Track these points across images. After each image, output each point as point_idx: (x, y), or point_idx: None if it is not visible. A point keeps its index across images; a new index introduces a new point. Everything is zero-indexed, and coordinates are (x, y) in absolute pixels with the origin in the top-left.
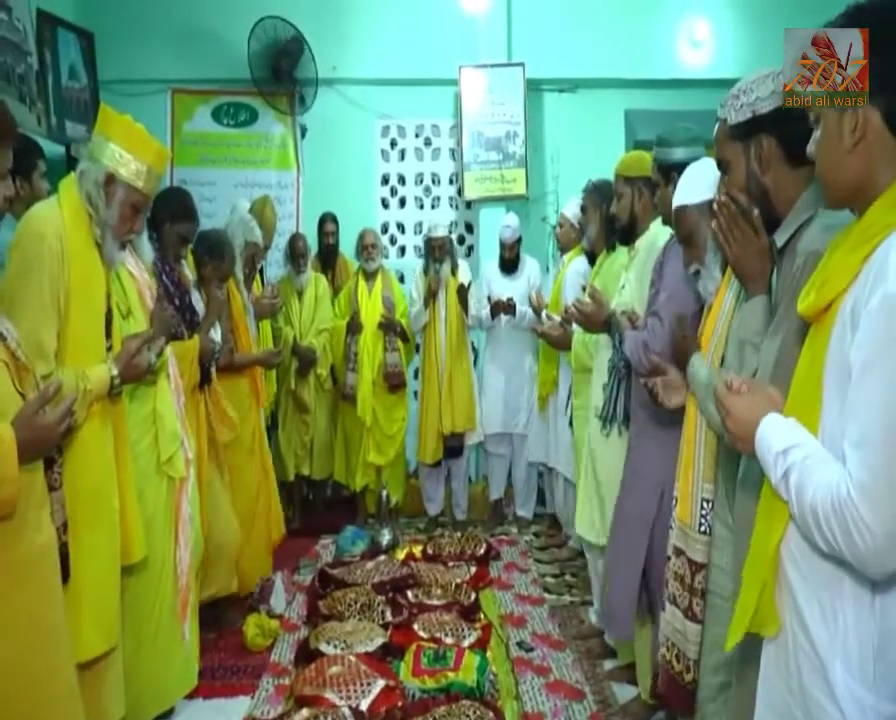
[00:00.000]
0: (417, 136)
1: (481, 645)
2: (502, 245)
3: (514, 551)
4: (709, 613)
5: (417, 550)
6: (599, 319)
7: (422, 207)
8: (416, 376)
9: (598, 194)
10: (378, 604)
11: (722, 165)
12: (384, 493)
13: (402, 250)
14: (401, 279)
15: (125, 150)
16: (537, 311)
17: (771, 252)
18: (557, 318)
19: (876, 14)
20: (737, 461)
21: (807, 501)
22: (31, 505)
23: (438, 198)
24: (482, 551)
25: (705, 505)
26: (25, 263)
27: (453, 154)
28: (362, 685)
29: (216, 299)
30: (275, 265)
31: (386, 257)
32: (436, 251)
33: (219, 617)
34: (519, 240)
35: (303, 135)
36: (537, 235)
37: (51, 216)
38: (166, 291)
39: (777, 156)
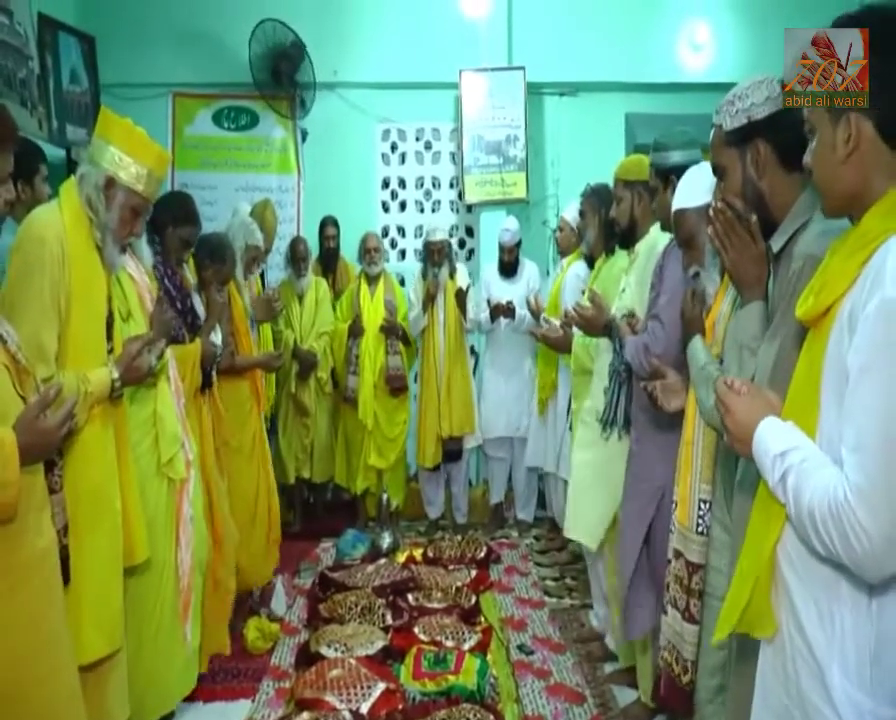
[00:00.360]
0: (418, 140)
1: (481, 648)
2: (501, 248)
3: (514, 554)
4: (706, 615)
5: (417, 553)
6: (599, 323)
7: (422, 211)
8: (416, 380)
9: (596, 198)
10: (378, 607)
11: (718, 171)
12: (385, 496)
13: (402, 254)
14: (401, 282)
15: (125, 153)
16: (535, 315)
17: (767, 257)
18: (555, 321)
19: (865, 25)
20: (735, 463)
21: (804, 504)
22: (32, 508)
23: (438, 202)
24: (482, 554)
25: (702, 506)
26: (26, 267)
27: (453, 158)
28: (362, 688)
29: (216, 302)
30: (276, 268)
31: (387, 261)
32: (435, 255)
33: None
34: (518, 244)
35: (304, 139)
36: (537, 239)
37: (52, 220)
38: (168, 295)
39: (772, 161)
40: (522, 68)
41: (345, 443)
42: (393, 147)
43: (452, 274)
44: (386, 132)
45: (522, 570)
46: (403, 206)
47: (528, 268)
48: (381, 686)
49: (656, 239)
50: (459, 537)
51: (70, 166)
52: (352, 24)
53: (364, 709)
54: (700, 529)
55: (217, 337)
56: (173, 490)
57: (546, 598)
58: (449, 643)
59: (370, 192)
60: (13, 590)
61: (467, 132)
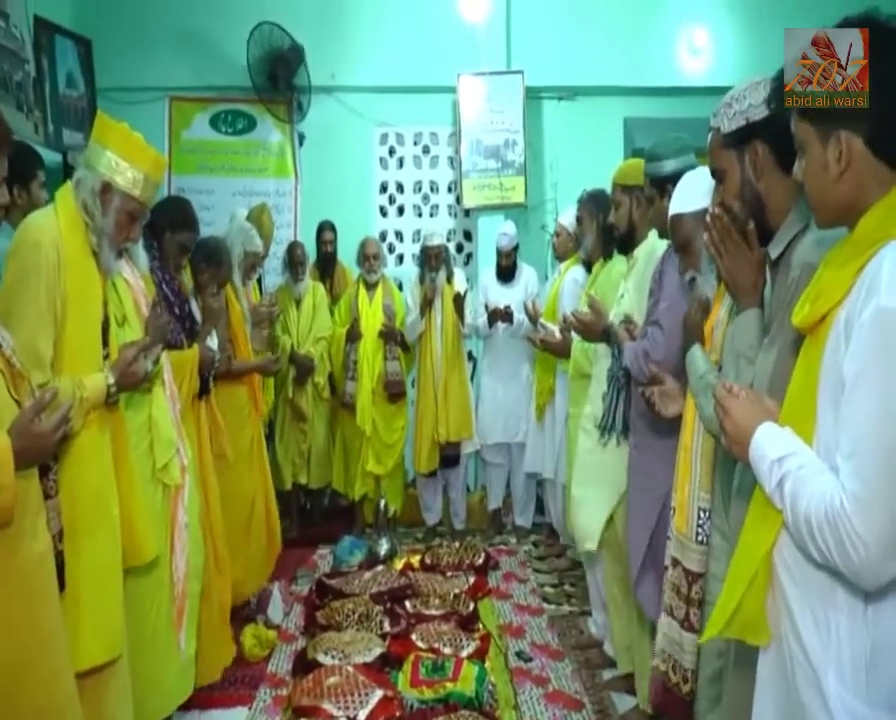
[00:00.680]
0: (416, 144)
1: (480, 655)
2: (499, 253)
3: (513, 561)
4: (707, 622)
5: (415, 560)
6: (598, 329)
7: (420, 215)
8: (413, 385)
9: (594, 204)
10: (376, 614)
11: (717, 174)
12: (382, 503)
13: (400, 258)
14: (399, 287)
15: (122, 158)
16: (533, 320)
17: (764, 263)
18: (552, 326)
19: None
20: (734, 470)
21: (801, 511)
22: (27, 513)
23: (436, 206)
24: (480, 561)
25: (702, 514)
26: (22, 272)
27: (452, 162)
28: (360, 696)
29: (210, 307)
30: (273, 273)
31: (385, 265)
32: (432, 260)
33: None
34: (516, 248)
35: (301, 143)
36: (536, 243)
37: (47, 224)
38: (166, 300)
39: (770, 162)
40: (521, 72)
41: (343, 449)
42: (391, 151)
43: (449, 279)
44: (384, 136)
45: (520, 576)
46: (401, 210)
47: (526, 273)
48: (379, 693)
49: (655, 244)
50: (457, 543)
51: (66, 170)
52: (350, 28)
53: (362, 717)
54: (700, 538)
55: (213, 342)
56: (168, 496)
57: (545, 605)
58: (447, 650)
59: (368, 196)
60: (10, 596)
61: (465, 136)
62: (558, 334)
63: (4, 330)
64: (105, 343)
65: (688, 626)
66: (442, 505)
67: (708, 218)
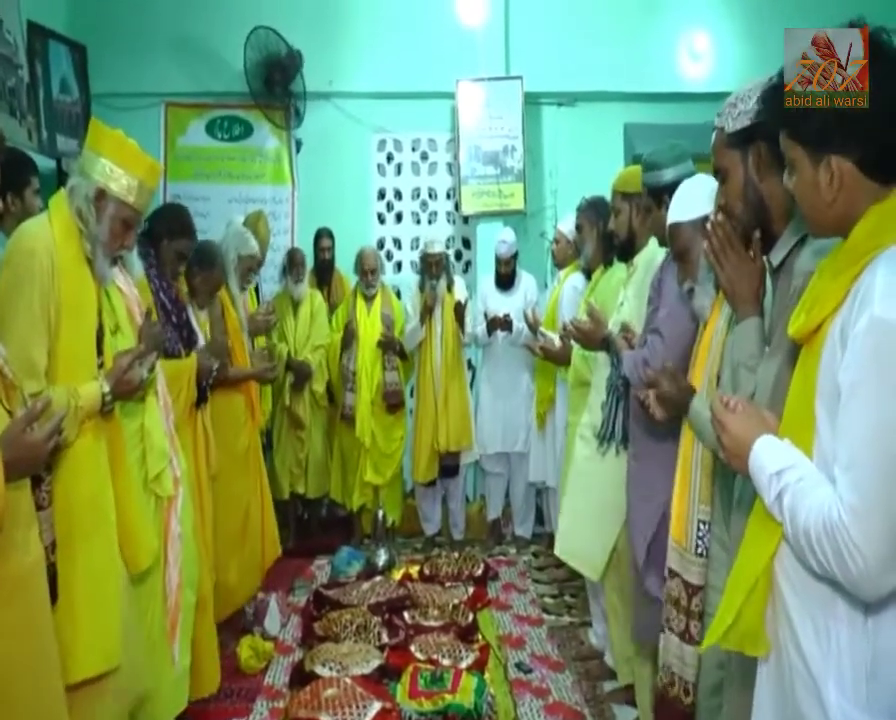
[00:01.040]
0: (414, 150)
1: (479, 667)
2: (498, 260)
3: (512, 571)
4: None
5: (414, 570)
6: (597, 337)
7: (419, 222)
8: (411, 394)
9: (593, 211)
10: (374, 625)
11: (720, 174)
12: (381, 513)
13: (398, 266)
14: (397, 295)
15: (116, 165)
16: (533, 328)
17: (765, 273)
18: (552, 335)
19: None
20: (734, 481)
21: (800, 524)
22: (18, 524)
23: (435, 213)
24: (480, 571)
25: (701, 527)
26: (15, 280)
27: (450, 168)
28: (358, 708)
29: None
30: (269, 281)
31: (383, 273)
32: (432, 267)
33: None
34: (515, 255)
35: (298, 149)
36: (535, 250)
37: (41, 232)
38: (163, 308)
39: (774, 164)
40: (520, 78)
41: (341, 458)
42: (389, 158)
43: (450, 287)
44: (382, 142)
45: (520, 587)
46: (399, 217)
47: (525, 280)
48: (377, 705)
49: (655, 252)
50: (456, 554)
51: (60, 177)
52: (347, 33)
53: None
54: (699, 551)
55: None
56: (161, 507)
57: (545, 615)
58: (446, 661)
59: (365, 203)
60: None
61: (464, 142)
62: (558, 342)
63: None
64: (100, 352)
65: (688, 638)
66: (441, 515)
67: (709, 226)
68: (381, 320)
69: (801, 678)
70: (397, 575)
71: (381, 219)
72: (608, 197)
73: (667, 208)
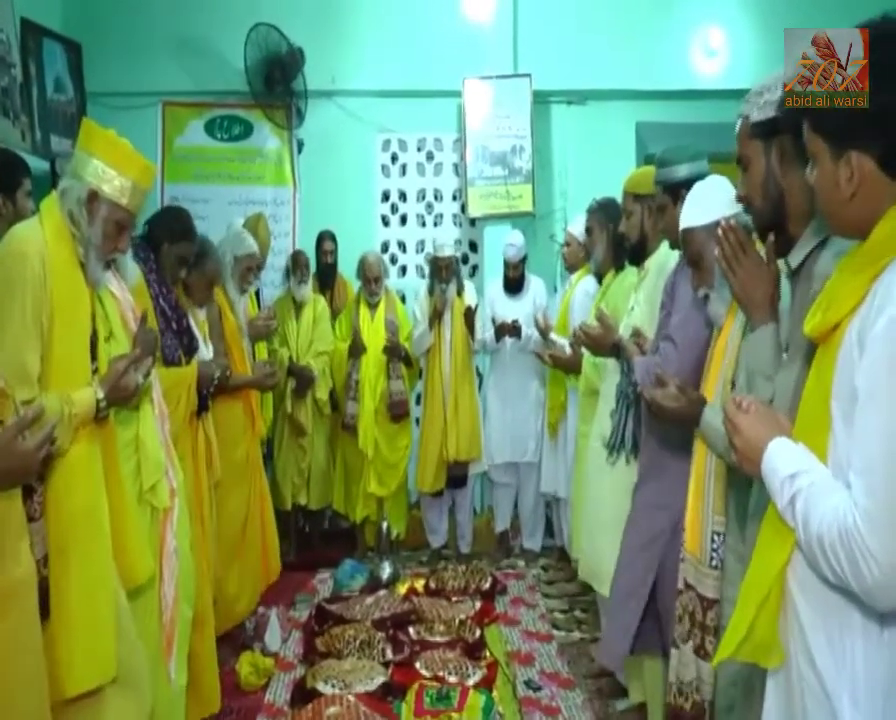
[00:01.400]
0: (419, 150)
1: (486, 684)
2: (506, 264)
3: (521, 585)
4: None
5: (419, 584)
6: (606, 343)
7: (424, 225)
8: (419, 402)
9: (604, 214)
10: (378, 641)
11: (742, 162)
12: (385, 525)
13: (403, 270)
14: (402, 300)
15: (109, 166)
16: (544, 333)
17: (779, 278)
18: (563, 341)
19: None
20: (748, 490)
21: (813, 529)
22: (8, 535)
23: (441, 215)
24: (487, 585)
25: (716, 538)
26: (6, 285)
27: (456, 169)
28: None
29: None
30: (270, 286)
31: (387, 277)
32: (442, 271)
33: None
34: (524, 259)
35: (300, 150)
36: (544, 254)
37: (33, 236)
38: (163, 314)
39: (797, 160)
40: (528, 75)
41: (344, 468)
42: (393, 158)
43: (460, 292)
44: (386, 142)
45: (529, 602)
46: (404, 220)
47: (534, 285)
48: None
49: (667, 255)
50: (463, 567)
51: (55, 179)
52: (351, 29)
53: None
54: (714, 563)
55: (208, 353)
56: (156, 519)
57: (554, 631)
58: (452, 679)
59: (369, 205)
60: None
61: (471, 142)
62: (568, 349)
63: None
64: (94, 357)
65: (704, 654)
66: (448, 527)
67: (719, 232)
68: (385, 326)
69: (813, 692)
70: (402, 589)
71: (385, 221)
72: (619, 198)
73: (682, 205)
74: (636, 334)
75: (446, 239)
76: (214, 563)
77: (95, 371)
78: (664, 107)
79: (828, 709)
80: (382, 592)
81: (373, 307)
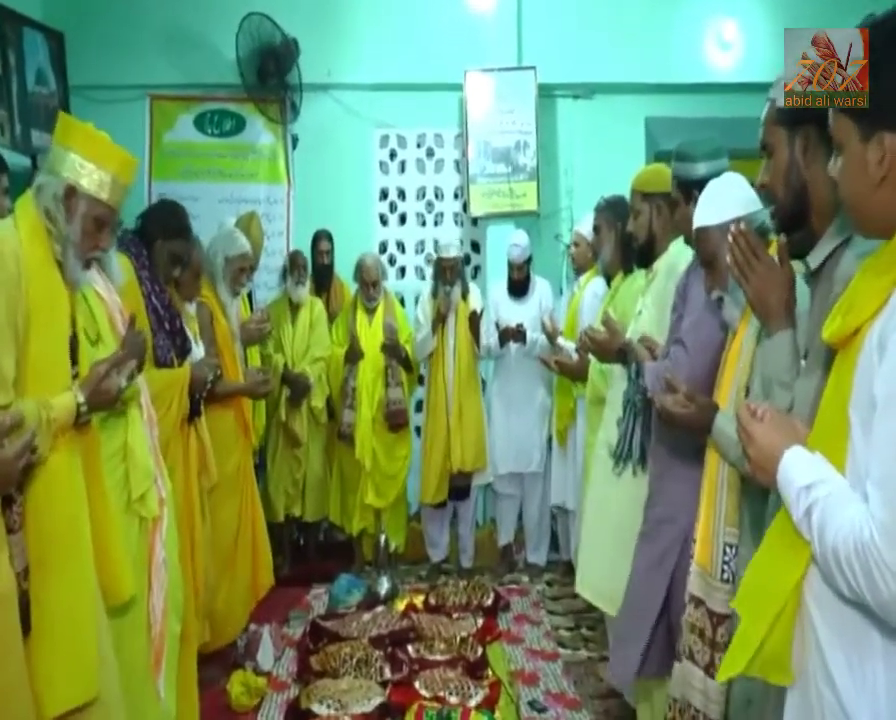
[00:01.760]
0: (419, 146)
1: (489, 705)
2: (510, 265)
3: (525, 601)
4: None
5: (418, 600)
6: (612, 348)
7: (424, 224)
8: (419, 409)
9: (612, 212)
10: (376, 660)
11: (766, 149)
12: (383, 538)
13: (402, 271)
14: (401, 303)
15: (87, 159)
16: (551, 337)
17: (793, 282)
18: (570, 345)
19: (892, 33)
20: (763, 501)
21: (829, 542)
22: None
23: (441, 214)
24: (490, 601)
25: (727, 550)
26: None
27: (458, 166)
28: None
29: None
30: (263, 288)
31: (385, 278)
32: (447, 273)
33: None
34: (529, 260)
35: (294, 145)
36: (549, 254)
37: (6, 235)
38: (155, 313)
39: (822, 152)
40: (533, 68)
41: (340, 478)
42: (392, 154)
43: (465, 295)
44: (384, 138)
45: (533, 618)
46: (403, 219)
47: (540, 287)
48: None
49: (677, 256)
50: (464, 582)
51: (36, 175)
52: (348, 19)
53: None
54: (725, 576)
55: (199, 352)
56: (145, 530)
57: (560, 649)
58: (453, 699)
59: (367, 204)
60: None
61: (472, 138)
62: (575, 355)
63: None
64: (74, 361)
65: (713, 673)
66: (448, 540)
67: (730, 237)
68: (383, 329)
69: (833, 713)
70: (400, 605)
71: (383, 221)
72: (628, 197)
73: (696, 203)
74: (644, 339)
75: (447, 239)
76: (207, 576)
77: (76, 376)
78: (675, 101)
79: None
80: (380, 608)
81: (371, 311)
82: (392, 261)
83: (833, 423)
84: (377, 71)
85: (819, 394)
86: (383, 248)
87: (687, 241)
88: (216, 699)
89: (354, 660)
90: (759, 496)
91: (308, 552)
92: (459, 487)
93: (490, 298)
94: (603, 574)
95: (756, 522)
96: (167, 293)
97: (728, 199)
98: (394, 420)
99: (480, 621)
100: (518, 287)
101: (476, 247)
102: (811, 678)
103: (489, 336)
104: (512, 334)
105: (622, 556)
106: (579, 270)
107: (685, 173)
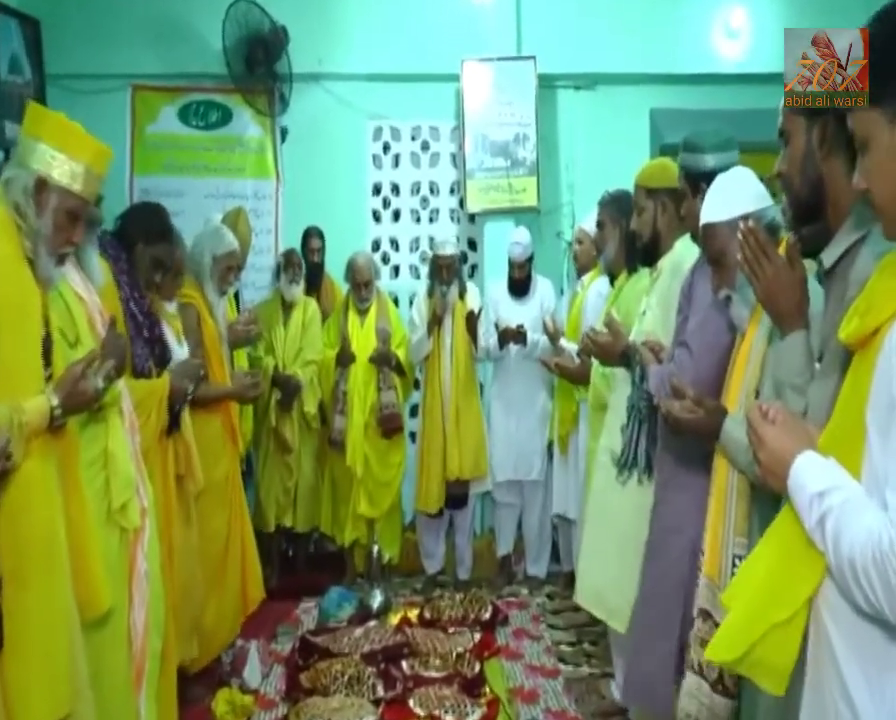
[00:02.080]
0: (413, 139)
1: None
2: (511, 264)
3: (524, 615)
4: (747, 684)
5: (413, 614)
6: (615, 351)
7: (419, 221)
8: (413, 414)
9: (617, 208)
10: (368, 677)
11: (783, 136)
12: (376, 549)
13: (396, 270)
14: (395, 302)
15: (58, 150)
16: (553, 339)
17: (806, 282)
18: (572, 347)
19: None
20: (774, 508)
21: (844, 552)
22: None
23: (437, 210)
24: (488, 615)
25: (737, 562)
26: None
27: (454, 160)
28: None
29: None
30: (251, 287)
31: (378, 278)
32: (444, 271)
33: (181, 691)
34: (531, 258)
35: (283, 138)
36: (550, 252)
37: None
38: (133, 320)
39: (839, 145)
40: (533, 58)
41: (331, 487)
42: (385, 148)
43: (462, 294)
44: (378, 131)
45: (533, 633)
46: (397, 216)
47: (542, 286)
48: None
49: (682, 254)
50: (461, 595)
51: None
52: (339, 7)
53: None
54: None
55: (183, 352)
56: (126, 541)
57: (561, 666)
58: (449, 718)
59: (359, 199)
60: None
61: (470, 131)
62: (577, 358)
63: None
64: (47, 363)
65: (722, 690)
66: (445, 551)
67: (740, 235)
68: (376, 335)
69: None
70: (394, 619)
71: (377, 217)
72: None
73: (703, 197)
74: (648, 341)
75: (443, 236)
76: (196, 589)
77: (50, 378)
78: (681, 92)
79: None
80: (372, 623)
81: (363, 313)
82: (385, 259)
83: (849, 427)
84: (370, 60)
85: (836, 399)
86: (376, 246)
87: (693, 238)
88: (200, 718)
89: (345, 677)
90: (770, 504)
91: (297, 564)
92: (456, 495)
93: (489, 298)
94: (606, 585)
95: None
96: (146, 299)
97: (737, 194)
98: (387, 425)
99: (477, 636)
100: (519, 287)
101: (473, 245)
102: (827, 693)
103: (488, 337)
104: (512, 335)
105: (626, 567)
106: (582, 269)
107: (693, 164)
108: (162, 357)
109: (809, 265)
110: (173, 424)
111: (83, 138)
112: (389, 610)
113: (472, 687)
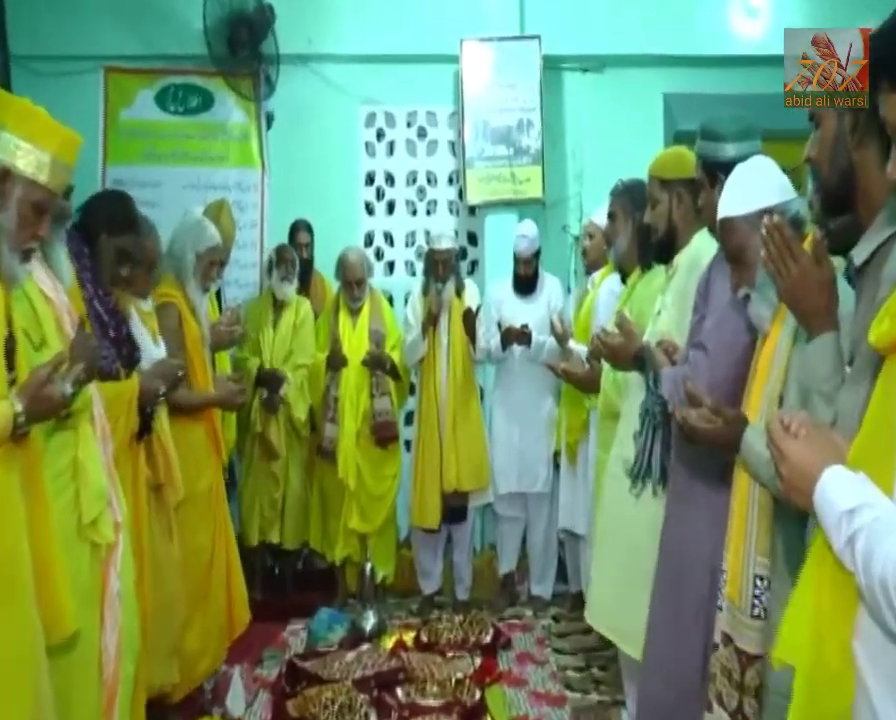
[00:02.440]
0: (409, 126)
1: None
2: (517, 260)
3: (528, 638)
4: (767, 716)
5: (409, 637)
6: (628, 353)
7: (415, 213)
8: (409, 422)
9: (630, 199)
10: (360, 705)
11: (814, 119)
12: (368, 567)
13: (390, 266)
14: (390, 301)
15: (22, 139)
16: (561, 340)
17: (834, 281)
18: (581, 349)
19: None
20: (799, 528)
21: (876, 573)
22: None
23: (434, 202)
24: (489, 638)
25: (758, 583)
26: None
27: (453, 148)
28: None
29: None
30: (234, 285)
31: (371, 276)
32: (439, 267)
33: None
34: (538, 253)
35: (269, 124)
36: (556, 247)
37: None
38: (98, 320)
39: (871, 137)
40: (537, 37)
41: (321, 500)
42: (379, 135)
43: (459, 291)
44: (371, 116)
45: (538, 658)
46: (391, 207)
47: (549, 284)
48: None
49: (699, 250)
50: (460, 617)
51: None
52: None
53: None
54: (756, 612)
55: (160, 352)
56: (97, 558)
57: (568, 693)
58: None
59: (351, 190)
60: None
61: (469, 117)
62: (587, 362)
63: None
64: (11, 366)
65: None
66: (443, 569)
67: (763, 231)
68: (370, 337)
69: None
70: (388, 643)
71: (370, 209)
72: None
73: (721, 189)
74: (663, 342)
75: (441, 230)
76: (178, 610)
77: (13, 382)
78: (696, 76)
79: None
80: (365, 646)
81: (355, 313)
82: (379, 255)
83: (880, 438)
84: (363, 40)
85: (867, 407)
86: (369, 240)
87: (712, 232)
88: None
89: (336, 705)
90: (795, 522)
91: (284, 582)
92: (454, 509)
93: (492, 296)
94: (618, 606)
95: (790, 551)
96: (112, 296)
97: (757, 186)
98: (381, 433)
99: (478, 661)
100: (525, 284)
101: (473, 239)
102: None
103: (489, 338)
104: (516, 335)
105: (640, 585)
106: (591, 266)
107: (711, 153)
108: (130, 358)
109: (838, 263)
110: (144, 428)
111: (50, 125)
112: (383, 633)
113: (472, 716)
